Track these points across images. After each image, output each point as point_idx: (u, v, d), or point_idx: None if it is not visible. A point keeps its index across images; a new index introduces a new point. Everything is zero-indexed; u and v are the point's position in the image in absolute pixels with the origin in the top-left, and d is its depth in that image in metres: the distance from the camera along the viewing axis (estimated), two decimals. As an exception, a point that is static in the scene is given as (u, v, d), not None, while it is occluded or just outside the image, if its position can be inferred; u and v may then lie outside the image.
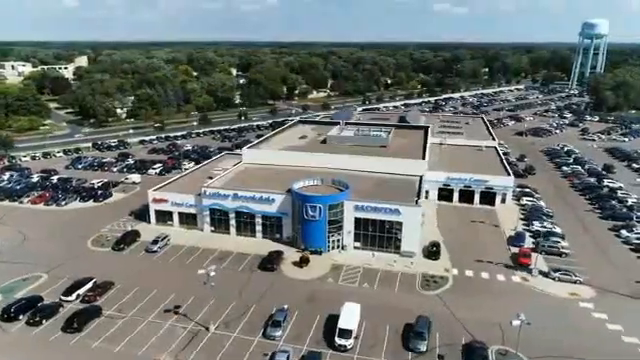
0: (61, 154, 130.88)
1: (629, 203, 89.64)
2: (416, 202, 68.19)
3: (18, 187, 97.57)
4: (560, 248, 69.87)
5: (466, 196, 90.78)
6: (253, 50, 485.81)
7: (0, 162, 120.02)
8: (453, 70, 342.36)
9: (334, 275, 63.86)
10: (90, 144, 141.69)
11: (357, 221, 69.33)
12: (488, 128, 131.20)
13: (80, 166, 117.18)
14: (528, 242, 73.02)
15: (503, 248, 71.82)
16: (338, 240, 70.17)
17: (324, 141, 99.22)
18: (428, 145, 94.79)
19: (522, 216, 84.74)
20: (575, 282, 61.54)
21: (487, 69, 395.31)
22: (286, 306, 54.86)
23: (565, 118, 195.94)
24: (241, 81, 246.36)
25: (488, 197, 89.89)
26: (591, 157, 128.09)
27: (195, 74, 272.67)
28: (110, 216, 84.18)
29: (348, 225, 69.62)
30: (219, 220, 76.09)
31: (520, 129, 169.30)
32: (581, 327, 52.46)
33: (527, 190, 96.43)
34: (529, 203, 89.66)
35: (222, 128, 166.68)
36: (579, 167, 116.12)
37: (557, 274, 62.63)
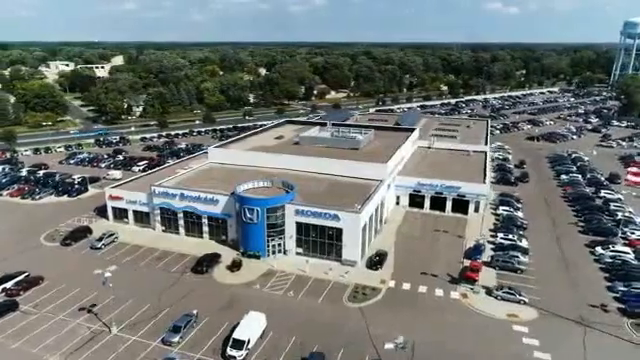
0: (62, 149, 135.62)
1: (618, 217, 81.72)
2: (359, 209, 64.64)
3: (4, 180, 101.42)
4: (516, 264, 64.31)
5: (438, 203, 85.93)
6: (290, 50, 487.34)
7: (2, 155, 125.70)
8: (483, 71, 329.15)
9: (263, 281, 61.62)
10: (93, 140, 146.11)
11: (299, 226, 66.74)
12: (487, 132, 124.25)
13: (72, 161, 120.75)
14: (486, 255, 67.92)
15: (456, 261, 67.07)
16: (279, 245, 67.88)
17: (297, 142, 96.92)
18: (401, 148, 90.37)
19: (493, 227, 79.16)
20: (519, 302, 56.31)
21: (524, 70, 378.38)
22: (195, 311, 53.28)
23: (589, 123, 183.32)
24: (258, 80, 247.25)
25: (461, 205, 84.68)
26: (600, 165, 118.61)
27: (221, 73, 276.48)
28: (76, 211, 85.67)
29: (290, 229, 67.19)
30: (169, 219, 75.57)
31: (536, 134, 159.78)
32: (501, 354, 47.66)
33: (507, 199, 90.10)
34: (505, 213, 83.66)
35: (224, 127, 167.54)
36: (579, 176, 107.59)
37: (500, 292, 57.56)
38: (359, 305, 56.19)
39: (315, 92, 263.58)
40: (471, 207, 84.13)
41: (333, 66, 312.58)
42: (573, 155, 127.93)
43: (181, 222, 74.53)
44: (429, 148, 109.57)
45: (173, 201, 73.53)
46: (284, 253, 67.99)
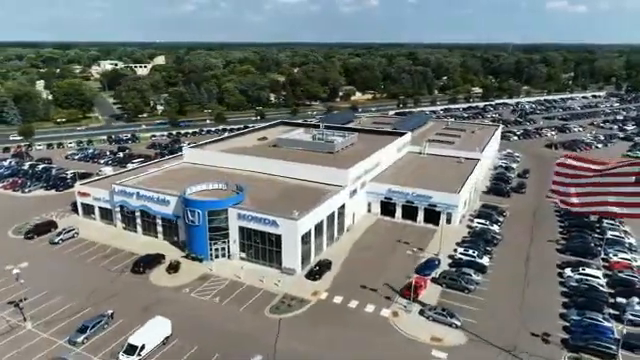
0: (73, 144, 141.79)
1: (607, 236, 74.03)
2: (296, 216, 62.24)
3: (5, 173, 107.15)
4: (464, 282, 59.51)
5: (410, 212, 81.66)
6: (332, 51, 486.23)
7: (17, 149, 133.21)
8: (523, 73, 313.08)
9: (195, 285, 60.74)
10: (105, 137, 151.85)
11: (242, 230, 65.36)
12: (490, 139, 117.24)
13: (77, 157, 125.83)
14: (437, 271, 63.48)
15: (405, 275, 63.00)
16: (223, 249, 66.79)
17: (275, 145, 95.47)
18: (376, 154, 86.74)
19: (462, 240, 73.98)
20: (450, 325, 51.97)
21: (572, 73, 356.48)
22: (110, 312, 53.23)
23: (624, 130, 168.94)
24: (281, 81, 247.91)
25: (434, 215, 79.97)
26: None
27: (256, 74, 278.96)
28: (57, 205, 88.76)
29: (233, 234, 65.96)
30: (128, 218, 76.57)
31: (555, 141, 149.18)
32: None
33: (488, 211, 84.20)
34: (479, 226, 78.12)
35: (235, 127, 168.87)
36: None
37: (431, 312, 53.42)
38: (279, 316, 53.99)
39: (341, 93, 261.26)
40: (443, 218, 79.30)
41: (364, 67, 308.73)
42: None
43: (138, 221, 75.27)
44: (420, 154, 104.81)
45: (130, 200, 74.34)
46: (228, 257, 66.87)
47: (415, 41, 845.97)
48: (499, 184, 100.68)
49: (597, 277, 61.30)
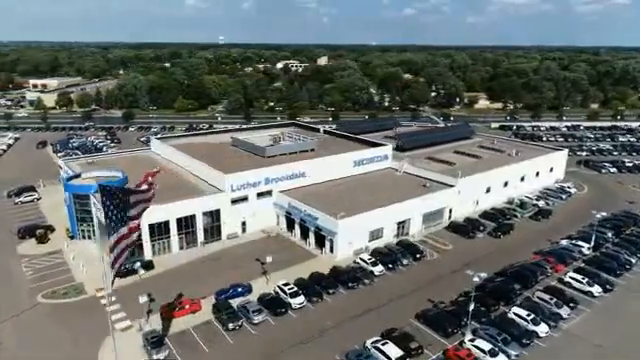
0: (157, 129, 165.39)
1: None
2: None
3: (71, 145, 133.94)
4: (226, 317, 51.23)
5: (305, 232, 72.53)
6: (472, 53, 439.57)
7: (117, 129, 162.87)
8: None
9: (33, 257, 67.29)
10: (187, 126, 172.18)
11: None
12: (518, 164, 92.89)
13: (143, 139, 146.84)
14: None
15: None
16: (89, 230, 71.96)
17: (233, 144, 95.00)
18: (297, 163, 79.22)
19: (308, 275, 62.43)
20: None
21: None
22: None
23: None
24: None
25: (322, 240, 69.42)
26: None
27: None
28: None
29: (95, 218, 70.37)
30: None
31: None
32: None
33: (396, 249, 68.32)
34: (359, 263, 64.38)
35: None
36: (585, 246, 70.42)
37: (147, 338, 48.20)
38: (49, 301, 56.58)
39: (465, 100, 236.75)
40: (327, 245, 68.16)
41: (514, 72, 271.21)
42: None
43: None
44: (397, 171, 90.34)
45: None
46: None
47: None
48: (473, 222, 79.55)
49: None
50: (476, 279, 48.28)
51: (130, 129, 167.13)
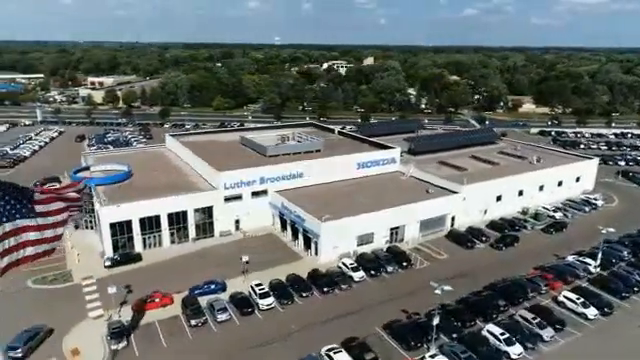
0: (190, 126, 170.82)
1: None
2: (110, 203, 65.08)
3: (105, 138, 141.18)
4: (192, 313, 51.61)
5: (296, 233, 71.94)
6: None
7: (151, 125, 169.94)
8: None
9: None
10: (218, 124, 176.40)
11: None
12: (537, 172, 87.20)
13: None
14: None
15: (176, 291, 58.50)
16: (86, 220, 75.68)
17: (242, 143, 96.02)
18: (298, 163, 78.95)
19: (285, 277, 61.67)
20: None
21: None
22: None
23: None
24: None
25: (309, 242, 68.59)
26: None
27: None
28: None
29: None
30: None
31: None
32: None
33: (383, 255, 66.04)
34: (339, 268, 62.88)
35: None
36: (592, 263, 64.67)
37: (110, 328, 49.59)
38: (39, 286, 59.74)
39: (509, 103, 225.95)
40: (312, 247, 67.19)
41: (567, 76, 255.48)
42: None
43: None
44: (402, 174, 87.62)
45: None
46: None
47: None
48: (475, 231, 75.44)
49: None
50: (438, 292, 45.58)
51: (165, 126, 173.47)
